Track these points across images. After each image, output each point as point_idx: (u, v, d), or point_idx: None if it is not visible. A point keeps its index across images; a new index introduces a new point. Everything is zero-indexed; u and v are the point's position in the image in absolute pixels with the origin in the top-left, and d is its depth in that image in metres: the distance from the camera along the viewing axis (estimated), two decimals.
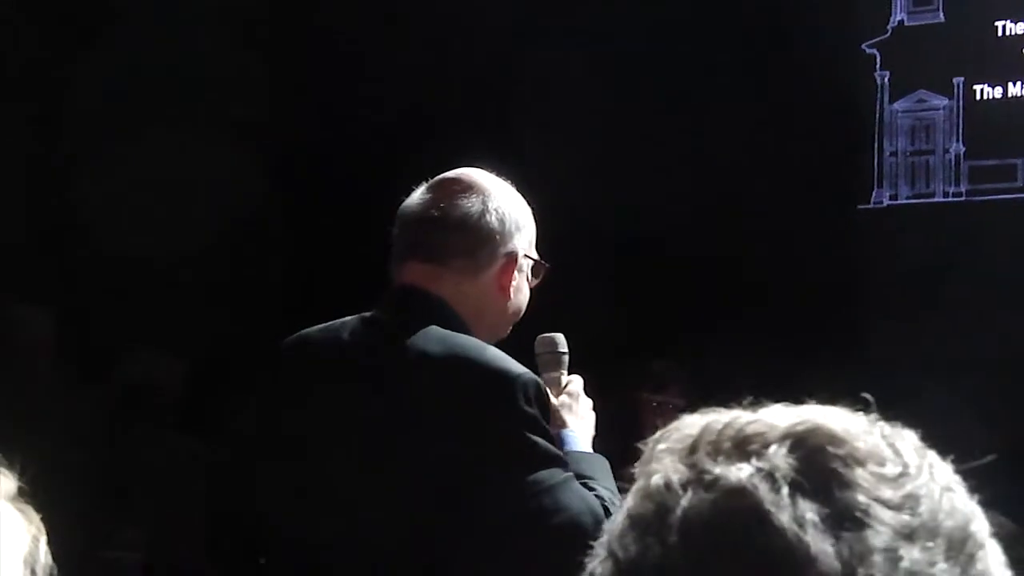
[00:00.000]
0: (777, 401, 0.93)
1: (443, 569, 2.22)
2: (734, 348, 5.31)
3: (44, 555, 1.13)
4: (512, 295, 2.48)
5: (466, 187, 2.46)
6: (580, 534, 2.22)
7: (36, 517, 1.15)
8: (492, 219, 2.44)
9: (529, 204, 2.56)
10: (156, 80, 6.12)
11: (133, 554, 4.30)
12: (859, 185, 6.14)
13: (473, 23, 6.09)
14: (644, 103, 6.02)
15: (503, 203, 2.47)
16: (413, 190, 2.52)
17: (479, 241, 2.44)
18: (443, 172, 2.53)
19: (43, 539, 1.14)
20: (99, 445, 4.26)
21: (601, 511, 2.26)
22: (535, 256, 2.54)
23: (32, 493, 1.15)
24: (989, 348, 5.60)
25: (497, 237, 2.45)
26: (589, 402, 2.52)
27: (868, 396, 0.94)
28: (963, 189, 6.04)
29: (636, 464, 0.97)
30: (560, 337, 2.56)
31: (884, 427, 0.93)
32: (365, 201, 5.59)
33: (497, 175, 2.54)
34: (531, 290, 2.54)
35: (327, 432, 2.34)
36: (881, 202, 6.16)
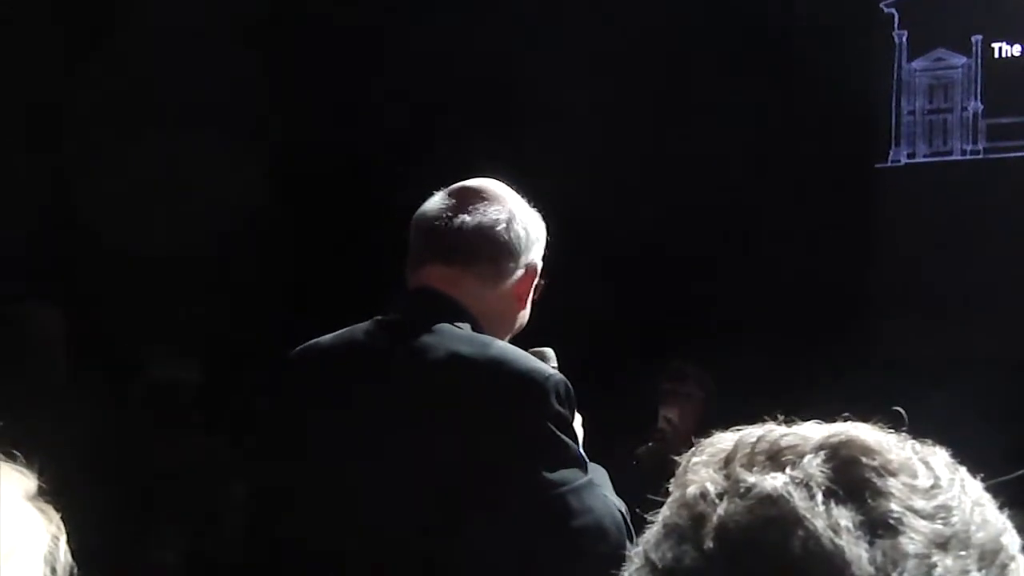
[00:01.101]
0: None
1: (469, 564, 2.21)
2: (750, 323, 5.34)
3: (64, 554, 1.14)
4: (526, 306, 2.51)
5: (492, 197, 2.48)
6: (603, 536, 2.24)
7: (56, 516, 1.15)
8: (518, 229, 2.46)
9: (538, 206, 2.58)
10: (168, 83, 6.13)
11: (158, 553, 4.30)
12: (876, 144, 6.13)
13: (477, 26, 6.07)
14: (654, 73, 6.01)
15: (525, 215, 2.50)
16: (431, 194, 2.52)
17: (505, 250, 2.46)
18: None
19: (63, 538, 1.14)
20: (115, 444, 4.27)
21: (620, 517, 2.28)
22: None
23: (51, 492, 1.15)
24: (1008, 306, 5.61)
25: (521, 247, 2.47)
26: (579, 417, 2.49)
27: (900, 410, 0.96)
28: (981, 147, 6.03)
29: (672, 478, 0.99)
30: (550, 352, 2.56)
31: (915, 443, 0.95)
32: (374, 201, 5.64)
33: (504, 178, 2.56)
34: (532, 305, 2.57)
35: (352, 434, 2.32)
36: (899, 161, 6.15)
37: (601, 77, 6.02)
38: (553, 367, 2.51)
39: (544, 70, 5.92)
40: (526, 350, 2.48)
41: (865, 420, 0.98)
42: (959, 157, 6.07)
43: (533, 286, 2.53)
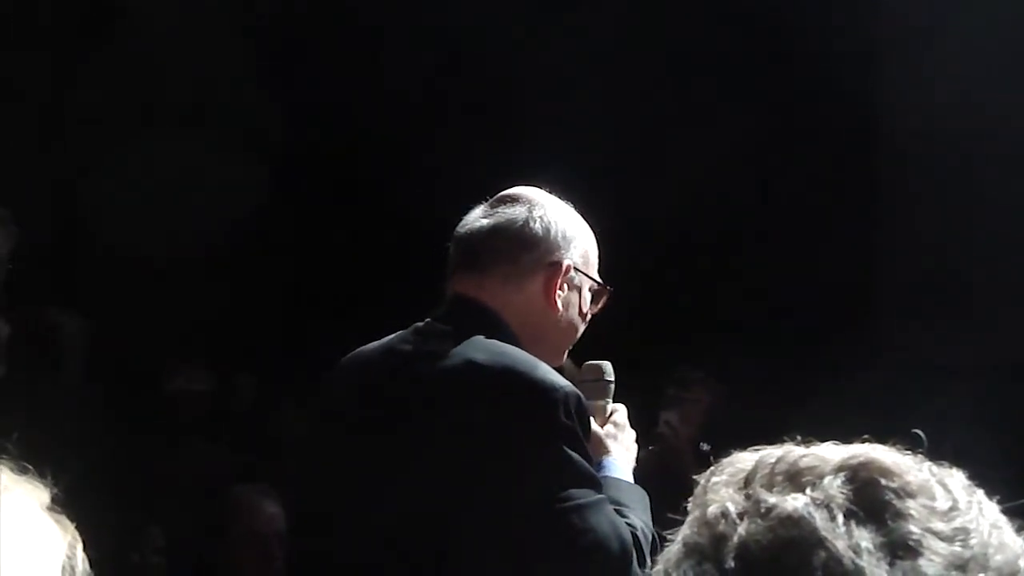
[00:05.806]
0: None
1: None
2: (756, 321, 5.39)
3: (81, 561, 1.16)
4: (561, 308, 2.41)
5: (517, 199, 2.44)
6: (604, 558, 2.16)
7: (71, 525, 1.17)
8: (536, 226, 2.39)
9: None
10: (181, 91, 6.09)
11: (157, 557, 4.34)
12: None
13: (483, 29, 5.95)
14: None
15: (550, 213, 2.43)
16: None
17: (521, 247, 2.39)
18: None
19: (79, 546, 1.16)
20: (127, 450, 4.31)
21: (630, 540, 2.20)
22: (594, 277, 2.48)
23: (65, 502, 1.17)
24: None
25: (540, 244, 2.40)
26: (633, 433, 2.48)
27: (919, 432, 0.97)
28: None
29: (690, 497, 1.00)
30: (607, 365, 2.51)
31: (932, 465, 0.96)
32: (380, 203, 5.60)
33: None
34: (591, 316, 2.49)
35: (368, 441, 2.32)
36: None
37: (600, 77, 5.97)
38: (610, 380, 2.47)
39: (544, 73, 5.89)
40: (583, 363, 2.45)
41: (875, 423, 0.99)
42: None
43: (575, 292, 2.44)
